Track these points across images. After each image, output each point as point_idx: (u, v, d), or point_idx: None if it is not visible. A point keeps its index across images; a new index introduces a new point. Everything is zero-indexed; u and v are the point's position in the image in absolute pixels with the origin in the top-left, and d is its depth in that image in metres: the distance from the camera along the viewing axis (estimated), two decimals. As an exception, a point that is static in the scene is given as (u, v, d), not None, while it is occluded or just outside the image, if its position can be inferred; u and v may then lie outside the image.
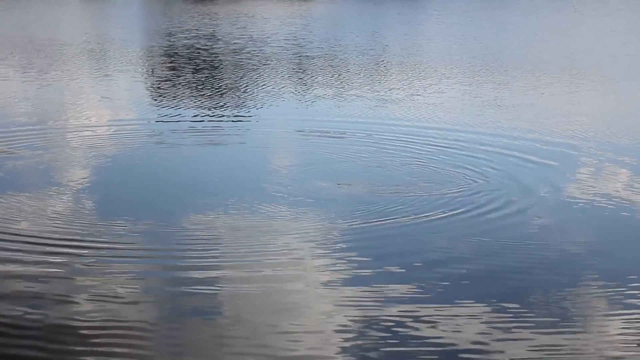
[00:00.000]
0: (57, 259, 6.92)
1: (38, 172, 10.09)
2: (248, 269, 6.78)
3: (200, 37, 29.18)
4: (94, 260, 6.93)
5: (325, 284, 6.50)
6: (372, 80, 19.32)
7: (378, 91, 17.42)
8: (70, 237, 7.48)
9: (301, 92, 17.10)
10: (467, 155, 11.20)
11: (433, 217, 8.35)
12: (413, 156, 11.24)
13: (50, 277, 6.53)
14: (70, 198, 8.88)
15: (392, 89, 17.70)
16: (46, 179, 9.71)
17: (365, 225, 8.07)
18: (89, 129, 12.91)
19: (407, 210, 8.57)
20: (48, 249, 7.15)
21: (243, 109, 15.06)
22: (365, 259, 7.12)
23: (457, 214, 8.48)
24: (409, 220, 8.24)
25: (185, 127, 13.20)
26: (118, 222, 7.99)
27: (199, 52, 24.47)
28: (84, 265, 6.81)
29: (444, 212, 8.49)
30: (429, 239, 7.76)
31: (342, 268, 6.87)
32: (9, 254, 7.04)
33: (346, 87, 17.91)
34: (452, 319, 5.88)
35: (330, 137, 12.62)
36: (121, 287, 6.33)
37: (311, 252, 7.27)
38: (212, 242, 7.48)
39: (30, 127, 12.79)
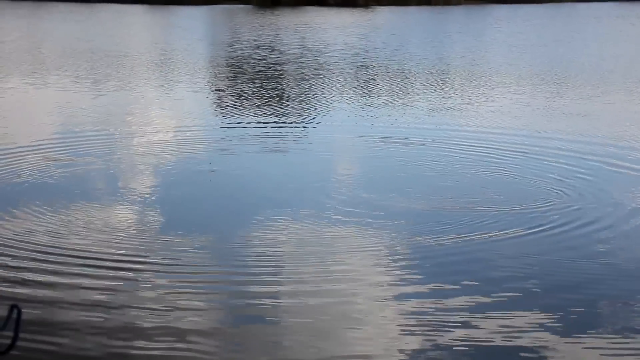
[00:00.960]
0: (119, 274, 6.80)
1: (101, 180, 10.11)
2: (311, 284, 6.60)
3: (260, 47, 29.40)
4: (156, 275, 6.79)
5: (387, 300, 6.29)
6: (432, 87, 19.17)
7: (439, 98, 17.26)
8: (133, 253, 7.31)
9: (361, 100, 17.05)
10: (547, 164, 10.88)
11: (515, 234, 7.88)
12: (486, 164, 10.96)
13: (113, 290, 6.44)
14: (133, 208, 8.82)
15: (452, 96, 17.52)
16: (109, 188, 9.72)
17: (433, 241, 7.70)
18: (152, 137, 13.01)
19: (479, 225, 8.16)
20: (109, 264, 7.01)
21: (305, 117, 15.04)
22: (425, 277, 6.82)
23: (543, 230, 8.01)
24: (480, 237, 7.81)
25: (248, 134, 13.22)
26: (179, 235, 7.84)
27: (259, 62, 24.63)
28: (146, 280, 6.65)
29: (533, 228, 8.03)
30: (499, 259, 7.30)
31: (404, 285, 6.61)
32: (71, 269, 6.89)
33: (405, 94, 17.80)
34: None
35: (396, 143, 12.42)
36: (184, 300, 6.24)
37: (374, 269, 7.01)
38: (274, 255, 7.31)
39: (94, 135, 12.95)
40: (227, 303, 6.24)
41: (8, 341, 1.78)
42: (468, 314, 6.01)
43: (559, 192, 9.46)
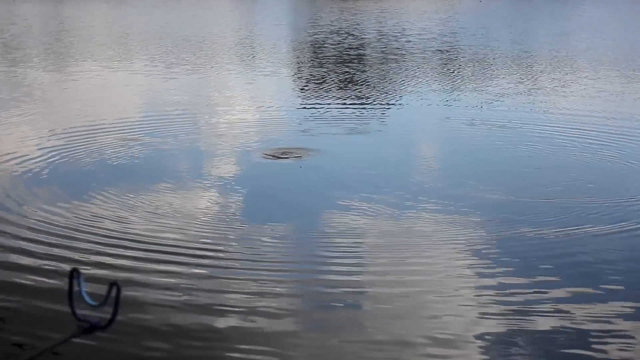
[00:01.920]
0: (197, 266, 6.73)
1: (184, 163, 10.18)
2: (391, 276, 6.51)
3: (341, 32, 29.37)
4: (232, 266, 6.72)
5: (470, 294, 6.16)
6: (513, 71, 18.83)
7: (520, 82, 16.99)
8: (212, 242, 7.23)
9: (441, 84, 16.88)
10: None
11: (620, 229, 7.55)
12: (576, 150, 10.67)
13: (190, 285, 6.39)
14: (213, 194, 8.84)
15: (535, 80, 17.21)
16: (192, 171, 9.76)
17: (532, 233, 7.41)
18: (232, 118, 13.20)
19: (579, 217, 7.84)
20: (184, 258, 6.89)
21: (385, 99, 14.98)
22: (516, 269, 6.60)
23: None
24: (581, 230, 7.46)
25: (330, 116, 13.26)
26: (257, 223, 7.80)
27: (338, 45, 24.62)
28: (223, 272, 6.56)
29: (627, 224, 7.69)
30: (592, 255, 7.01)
31: (488, 279, 6.43)
32: (149, 260, 6.78)
33: (486, 78, 17.54)
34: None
35: (484, 127, 12.20)
36: (262, 292, 6.22)
37: (463, 261, 6.85)
38: (354, 247, 7.22)
39: (179, 117, 13.21)
40: (305, 298, 6.20)
41: (108, 317, 1.84)
42: (556, 304, 5.85)
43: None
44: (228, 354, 5.19)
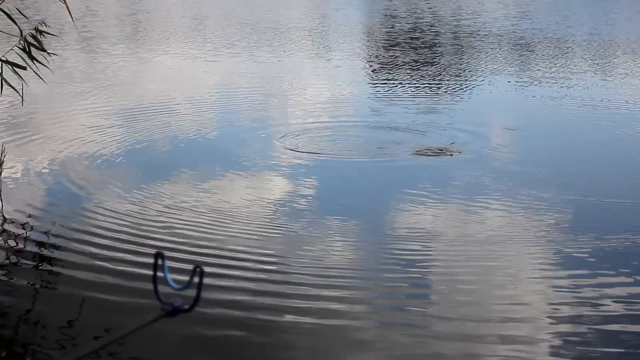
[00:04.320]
0: (254, 275, 6.56)
1: (252, 149, 10.09)
2: (467, 285, 6.46)
3: (418, 18, 29.13)
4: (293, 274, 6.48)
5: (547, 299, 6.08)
6: (596, 61, 18.40)
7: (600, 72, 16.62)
8: (266, 251, 6.75)
9: (518, 68, 16.59)
10: None
11: None
12: None
13: (249, 300, 6.43)
14: (283, 185, 8.87)
15: (617, 69, 16.80)
16: (259, 156, 9.71)
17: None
18: (306, 105, 13.27)
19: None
20: (244, 264, 6.90)
21: (459, 87, 14.86)
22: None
23: None
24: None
25: (403, 104, 13.21)
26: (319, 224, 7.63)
27: (416, 32, 24.44)
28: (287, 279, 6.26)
29: None
30: None
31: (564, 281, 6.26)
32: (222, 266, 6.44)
33: (564, 64, 17.16)
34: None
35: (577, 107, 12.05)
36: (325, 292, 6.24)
37: (527, 259, 6.69)
38: (428, 248, 7.11)
39: (248, 101, 13.36)
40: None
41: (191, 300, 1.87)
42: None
43: None
44: (292, 343, 5.20)
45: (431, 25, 26.24)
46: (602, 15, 30.27)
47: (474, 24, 26.73)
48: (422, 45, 21.41)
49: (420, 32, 24.30)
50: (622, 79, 15.82)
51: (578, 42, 21.71)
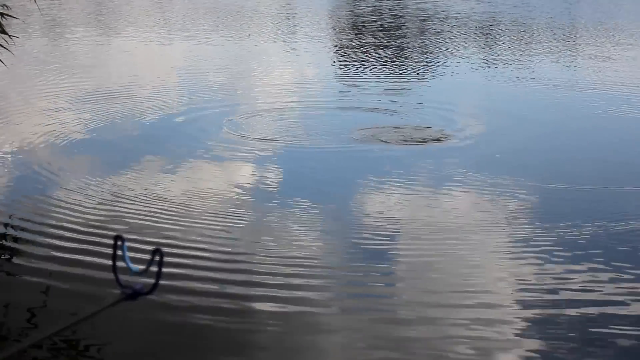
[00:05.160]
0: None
1: (213, 135, 9.89)
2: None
3: (389, 1, 29.12)
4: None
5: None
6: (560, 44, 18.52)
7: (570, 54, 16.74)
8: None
9: (485, 51, 16.65)
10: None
11: None
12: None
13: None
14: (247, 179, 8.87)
15: (584, 52, 16.93)
16: (222, 143, 9.55)
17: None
18: (274, 89, 13.20)
19: None
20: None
21: (425, 69, 14.88)
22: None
23: None
24: None
25: (369, 88, 13.20)
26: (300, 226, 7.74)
27: (381, 15, 24.43)
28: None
29: None
30: None
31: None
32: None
33: (531, 47, 17.25)
34: None
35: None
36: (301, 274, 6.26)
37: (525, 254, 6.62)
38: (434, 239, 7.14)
39: (209, 85, 13.26)
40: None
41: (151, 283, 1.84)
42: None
43: None
44: (261, 328, 5.19)
45: (390, 9, 26.24)
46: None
47: (432, 7, 26.78)
48: (381, 28, 21.40)
49: (379, 15, 24.29)
50: (584, 61, 15.94)
51: (538, 25, 21.84)
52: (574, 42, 19.00)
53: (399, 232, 6.92)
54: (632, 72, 14.71)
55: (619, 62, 15.72)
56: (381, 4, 27.88)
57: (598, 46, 18.02)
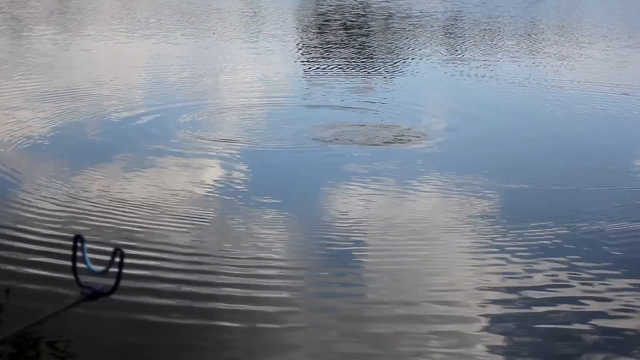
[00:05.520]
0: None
1: (174, 135, 9.75)
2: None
3: (352, 0, 29.15)
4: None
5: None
6: (525, 44, 18.68)
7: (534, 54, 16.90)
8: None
9: (450, 52, 16.74)
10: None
11: None
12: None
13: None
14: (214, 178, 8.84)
15: (546, 52, 17.09)
16: (184, 143, 9.44)
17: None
18: (237, 88, 13.14)
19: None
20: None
21: (395, 68, 14.91)
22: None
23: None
24: None
25: (333, 86, 13.18)
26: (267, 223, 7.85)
27: (343, 14, 24.47)
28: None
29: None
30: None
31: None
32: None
33: (495, 47, 17.38)
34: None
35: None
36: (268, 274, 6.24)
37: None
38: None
39: (173, 84, 13.15)
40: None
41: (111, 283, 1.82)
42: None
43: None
44: (229, 327, 5.17)
45: (353, 8, 26.29)
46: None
47: (394, 6, 26.89)
48: (344, 27, 21.42)
49: (342, 14, 24.32)
50: (543, 59, 16.11)
51: (500, 24, 22.03)
52: (533, 41, 19.21)
53: (364, 232, 6.92)
54: (589, 70, 14.90)
55: (576, 61, 15.93)
56: (344, 2, 27.93)
57: (557, 45, 18.23)
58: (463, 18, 23.77)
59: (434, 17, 23.92)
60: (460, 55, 16.63)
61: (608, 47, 18.12)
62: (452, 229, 6.99)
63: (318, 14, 25.03)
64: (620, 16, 24.80)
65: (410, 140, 9.77)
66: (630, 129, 10.99)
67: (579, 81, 13.72)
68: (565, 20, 23.62)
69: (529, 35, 20.37)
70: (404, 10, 25.62)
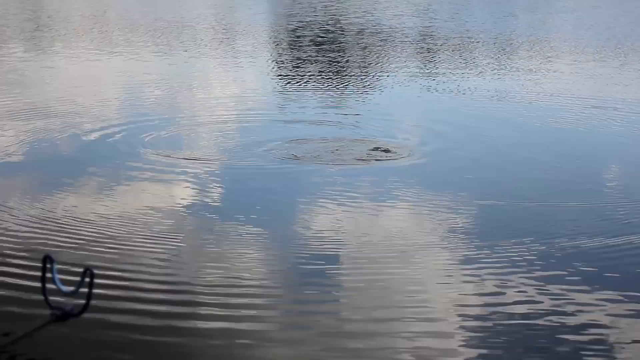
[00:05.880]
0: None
1: (144, 154, 9.68)
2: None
3: (323, 17, 29.23)
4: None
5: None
6: (497, 59, 18.81)
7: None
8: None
9: (423, 68, 16.79)
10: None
11: None
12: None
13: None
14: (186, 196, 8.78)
15: (521, 67, 17.20)
16: (153, 162, 9.39)
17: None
18: (212, 104, 13.06)
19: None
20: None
21: (367, 84, 14.93)
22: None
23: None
24: None
25: (305, 102, 13.14)
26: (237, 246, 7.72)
27: (312, 30, 24.52)
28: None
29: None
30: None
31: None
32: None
33: (466, 63, 17.48)
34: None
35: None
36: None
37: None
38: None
39: (151, 104, 13.07)
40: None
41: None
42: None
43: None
44: (205, 345, 5.09)
45: (323, 23, 26.34)
46: (493, 13, 31.06)
47: (364, 21, 27.01)
48: (315, 42, 21.45)
49: (310, 30, 24.36)
50: (522, 74, 16.21)
51: (469, 40, 22.18)
52: (503, 56, 19.34)
53: (339, 249, 6.85)
54: (555, 85, 15.02)
55: (543, 75, 16.07)
56: (315, 19, 28.01)
57: (524, 59, 18.38)
58: (433, 33, 23.91)
59: (403, 32, 24.05)
60: (431, 70, 16.71)
61: (575, 60, 18.31)
62: (428, 245, 6.94)
63: (289, 30, 25.05)
64: (589, 30, 25.09)
65: (384, 155, 9.73)
66: (601, 142, 11.06)
67: (544, 94, 13.84)
68: (534, 34, 23.84)
69: (498, 49, 20.52)
70: (373, 26, 25.75)
